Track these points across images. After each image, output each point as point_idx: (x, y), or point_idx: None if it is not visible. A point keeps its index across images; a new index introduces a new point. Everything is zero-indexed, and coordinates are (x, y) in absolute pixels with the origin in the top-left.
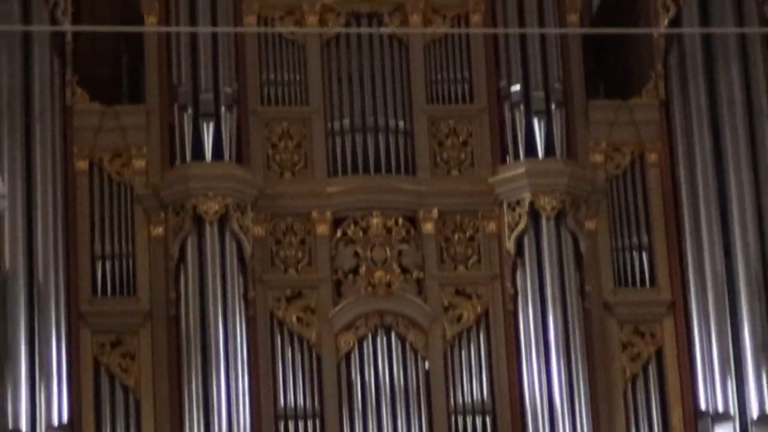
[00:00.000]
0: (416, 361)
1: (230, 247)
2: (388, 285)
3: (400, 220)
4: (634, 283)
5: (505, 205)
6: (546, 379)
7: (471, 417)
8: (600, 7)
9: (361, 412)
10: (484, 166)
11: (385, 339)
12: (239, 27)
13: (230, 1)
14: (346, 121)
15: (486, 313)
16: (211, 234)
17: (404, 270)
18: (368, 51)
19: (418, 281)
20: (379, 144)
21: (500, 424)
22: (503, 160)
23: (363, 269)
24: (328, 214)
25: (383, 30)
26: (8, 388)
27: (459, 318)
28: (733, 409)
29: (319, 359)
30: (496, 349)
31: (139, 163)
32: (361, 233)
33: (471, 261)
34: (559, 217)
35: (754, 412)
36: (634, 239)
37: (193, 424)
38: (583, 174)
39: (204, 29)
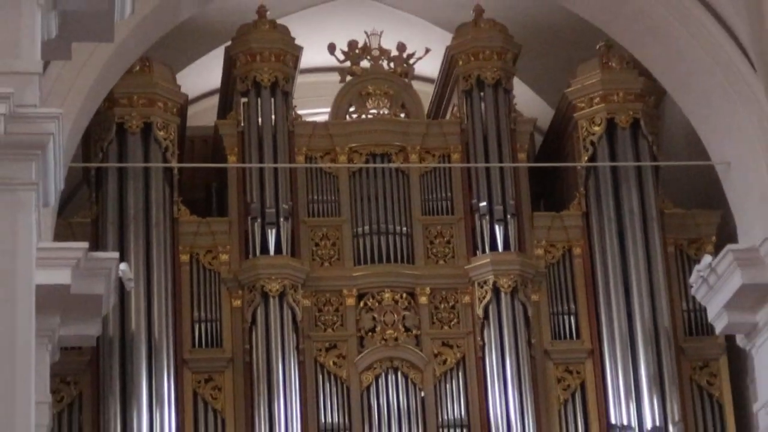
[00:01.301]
0: (415, 391)
1: (287, 314)
2: (396, 339)
3: (404, 295)
4: (565, 337)
5: (476, 284)
6: (505, 403)
7: (453, 429)
8: (541, 147)
9: (377, 427)
10: (462, 258)
11: (393, 376)
12: (293, 163)
13: (286, 145)
14: (367, 227)
15: (463, 358)
16: (273, 305)
17: (407, 329)
18: (381, 179)
19: (417, 337)
20: (389, 243)
21: None
22: (474, 254)
23: (378, 329)
24: (355, 291)
25: (391, 165)
26: (134, 412)
27: (445, 362)
28: (634, 422)
29: (348, 390)
30: (470, 383)
31: (224, 257)
32: (377, 304)
33: (452, 322)
34: (514, 292)
35: (648, 424)
36: (565, 307)
37: None
38: (529, 263)
39: (268, 165)
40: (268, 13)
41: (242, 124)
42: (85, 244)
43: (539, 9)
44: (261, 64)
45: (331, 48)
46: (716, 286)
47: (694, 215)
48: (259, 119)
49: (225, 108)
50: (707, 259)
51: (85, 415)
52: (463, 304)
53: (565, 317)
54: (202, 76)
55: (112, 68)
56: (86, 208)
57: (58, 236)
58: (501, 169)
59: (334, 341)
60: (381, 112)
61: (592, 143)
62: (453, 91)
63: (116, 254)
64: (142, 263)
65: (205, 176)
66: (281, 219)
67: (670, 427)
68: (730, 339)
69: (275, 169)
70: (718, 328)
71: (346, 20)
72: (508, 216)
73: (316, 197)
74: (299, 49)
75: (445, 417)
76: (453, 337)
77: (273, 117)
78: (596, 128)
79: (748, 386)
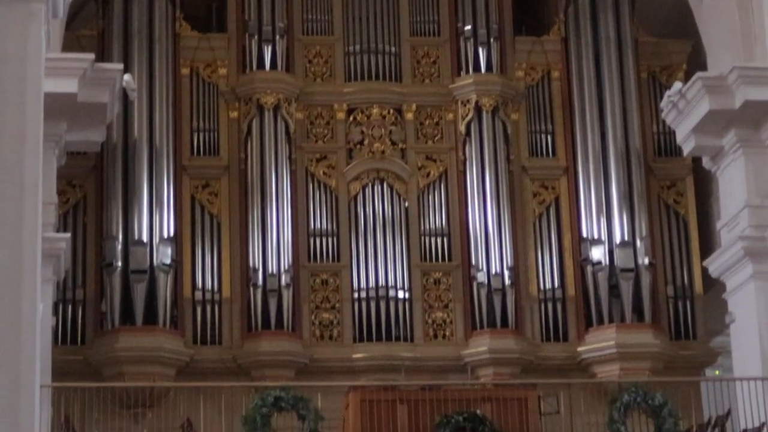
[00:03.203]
0: (400, 201)
1: (281, 126)
2: (383, 152)
3: (392, 111)
4: (541, 154)
5: (459, 103)
6: (483, 215)
7: (434, 238)
8: None
9: (363, 234)
10: (447, 77)
11: (379, 187)
12: None
13: None
14: (358, 47)
15: (446, 171)
16: (268, 117)
17: (393, 143)
18: (372, 0)
19: (402, 150)
20: (378, 61)
21: (453, 243)
22: (458, 74)
23: (366, 141)
24: (345, 106)
25: None
26: (135, 214)
27: (428, 174)
28: (604, 236)
29: (337, 199)
30: (451, 195)
31: (223, 71)
32: (365, 118)
33: (436, 138)
34: (495, 111)
35: (617, 238)
36: (542, 126)
37: (255, 238)
38: (510, 84)
39: None
40: None
41: None
42: (91, 56)
43: None
44: None
45: None
46: (685, 110)
47: (667, 44)
48: None
49: None
50: (678, 85)
51: (89, 215)
52: (447, 121)
53: (543, 136)
54: None
55: None
56: (93, 22)
57: (66, 48)
58: None
59: (325, 152)
60: None
61: None
62: None
63: (121, 65)
64: (145, 75)
65: None
66: (277, 36)
67: (638, 242)
68: (696, 160)
69: None
70: (686, 150)
71: None
72: (492, 39)
73: (310, 16)
74: None
75: (427, 226)
76: (436, 152)
77: None
78: None
79: (712, 205)
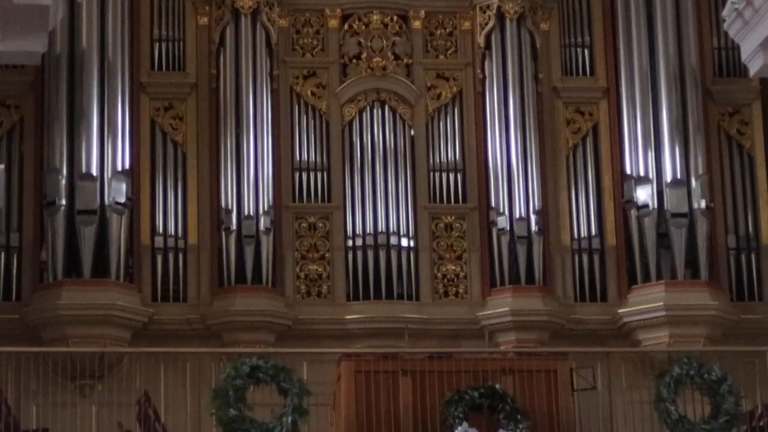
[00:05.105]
0: (404, 128)
1: (260, 35)
2: (384, 68)
3: (395, 18)
4: (577, 72)
5: (477, 9)
6: (506, 146)
7: (446, 174)
8: None
9: (359, 168)
10: None
11: (380, 110)
12: None
13: None
14: None
15: (460, 92)
16: (245, 24)
17: (397, 57)
18: None
19: (408, 66)
20: None
21: (468, 180)
22: None
23: (364, 55)
24: (338, 11)
25: None
26: (82, 141)
27: (439, 96)
28: (652, 174)
29: (327, 125)
30: (467, 121)
31: None
32: (363, 27)
33: (449, 51)
34: (520, 19)
35: (668, 176)
36: (579, 38)
37: (228, 173)
38: None
39: None
40: None
41: None
42: None
43: None
44: None
45: None
46: (752, 21)
47: None
48: None
49: None
50: None
51: (27, 143)
52: (463, 30)
53: (578, 50)
54: None
55: None
56: None
57: None
58: None
59: (314, 68)
60: None
61: None
62: None
63: None
64: None
65: None
66: None
67: (693, 180)
68: (764, 82)
69: None
70: (752, 69)
71: None
72: None
73: None
74: None
75: (437, 159)
76: (449, 68)
77: None
78: None
79: None
